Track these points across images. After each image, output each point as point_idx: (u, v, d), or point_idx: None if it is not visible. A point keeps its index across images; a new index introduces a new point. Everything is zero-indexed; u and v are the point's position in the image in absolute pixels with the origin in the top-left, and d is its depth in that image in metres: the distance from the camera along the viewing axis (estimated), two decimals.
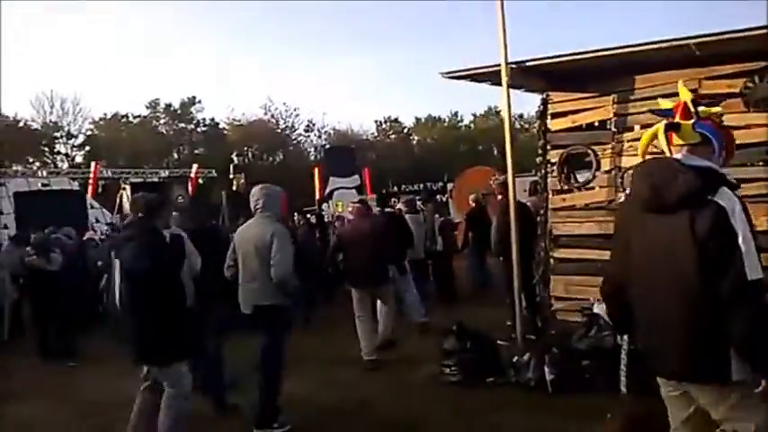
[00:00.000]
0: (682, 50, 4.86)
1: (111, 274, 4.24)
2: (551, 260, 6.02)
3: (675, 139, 2.27)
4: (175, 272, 3.99)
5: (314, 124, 44.08)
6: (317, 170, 23.34)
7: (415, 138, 49.98)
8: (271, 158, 43.58)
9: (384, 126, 48.91)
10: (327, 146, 39.17)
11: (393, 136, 48.98)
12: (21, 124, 37.15)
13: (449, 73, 6.11)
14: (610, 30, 47.12)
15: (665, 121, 2.31)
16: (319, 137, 44.49)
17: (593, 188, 5.85)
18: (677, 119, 2.28)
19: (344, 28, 58.23)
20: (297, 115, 43.32)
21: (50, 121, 38.73)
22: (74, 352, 7.37)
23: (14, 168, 25.94)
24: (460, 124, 50.52)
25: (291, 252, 4.53)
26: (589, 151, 5.84)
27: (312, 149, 44.23)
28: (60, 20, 53.65)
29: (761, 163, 5.05)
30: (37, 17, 52.62)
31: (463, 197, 17.92)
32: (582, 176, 6.00)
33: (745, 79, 4.92)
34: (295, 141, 44.55)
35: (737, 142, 4.97)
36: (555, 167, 6.05)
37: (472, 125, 50.14)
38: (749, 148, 4.98)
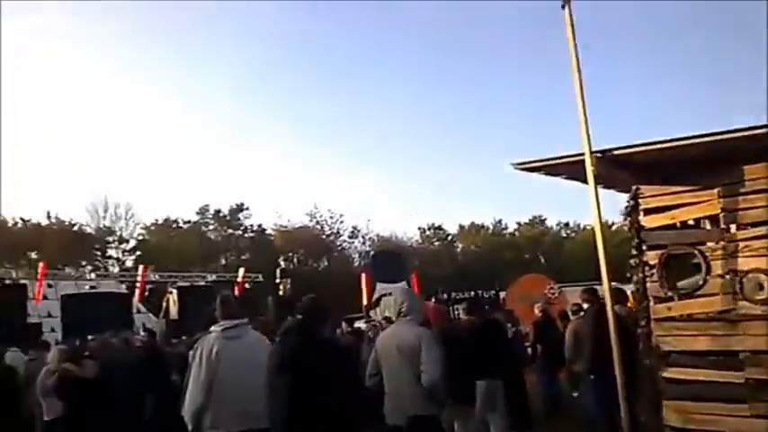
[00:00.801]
0: None
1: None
2: (660, 380, 5.13)
3: None
4: None
5: (358, 231, 44.31)
6: (364, 276, 22.89)
7: (459, 245, 49.54)
8: (316, 264, 43.54)
9: (428, 233, 48.77)
10: (372, 252, 38.96)
11: (437, 243, 48.67)
12: (75, 228, 38.28)
13: (521, 164, 5.54)
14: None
15: None
16: (363, 243, 44.55)
17: (703, 296, 5.06)
18: None
19: (384, 137, 59.75)
20: (341, 222, 43.74)
21: (104, 226, 39.87)
22: None
23: (67, 271, 26.32)
24: (505, 231, 50.02)
25: (441, 356, 4.29)
26: (696, 252, 5.11)
27: (356, 255, 44.16)
28: (117, 127, 56.71)
29: None
30: (92, 125, 55.86)
31: (520, 306, 17.07)
32: (685, 282, 5.23)
33: None
34: (340, 248, 44.62)
35: None
36: (654, 271, 5.30)
37: (517, 233, 49.59)
38: None
